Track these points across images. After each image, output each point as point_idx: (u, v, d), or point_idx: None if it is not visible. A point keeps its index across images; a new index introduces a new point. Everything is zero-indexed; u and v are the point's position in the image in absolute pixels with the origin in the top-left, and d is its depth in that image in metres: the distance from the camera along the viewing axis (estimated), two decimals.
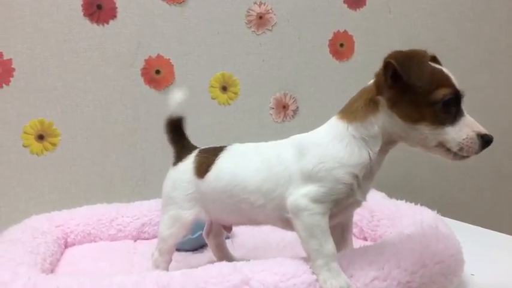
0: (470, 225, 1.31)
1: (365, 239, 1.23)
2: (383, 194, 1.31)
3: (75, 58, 1.46)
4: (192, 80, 1.56)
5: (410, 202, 1.18)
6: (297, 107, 1.67)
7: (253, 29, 1.59)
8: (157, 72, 1.53)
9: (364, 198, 0.88)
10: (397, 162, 1.79)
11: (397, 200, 1.24)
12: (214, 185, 0.94)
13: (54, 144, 1.46)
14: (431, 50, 1.93)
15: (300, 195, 0.82)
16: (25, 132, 1.44)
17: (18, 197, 1.44)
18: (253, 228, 1.36)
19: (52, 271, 1.09)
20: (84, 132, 1.49)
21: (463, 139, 0.78)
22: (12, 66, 1.41)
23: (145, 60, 1.52)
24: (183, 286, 0.78)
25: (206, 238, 1.13)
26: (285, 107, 1.66)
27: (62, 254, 1.23)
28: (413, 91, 0.78)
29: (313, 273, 0.80)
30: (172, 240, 0.99)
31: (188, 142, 1.07)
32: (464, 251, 0.94)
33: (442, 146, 0.80)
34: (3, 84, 1.41)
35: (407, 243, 0.88)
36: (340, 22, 1.67)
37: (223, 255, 1.12)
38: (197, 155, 1.02)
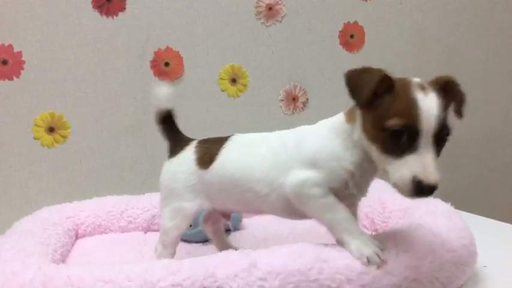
0: (483, 217, 1.30)
1: (376, 230, 1.22)
2: None
3: (84, 51, 1.46)
4: (201, 72, 1.56)
5: None
6: (307, 99, 1.66)
7: (262, 21, 1.58)
8: (167, 64, 1.53)
9: (363, 195, 0.89)
10: None
11: None
12: (220, 174, 0.95)
13: (64, 137, 1.47)
14: (442, 41, 1.92)
15: (300, 176, 0.84)
16: (36, 125, 1.44)
17: (29, 189, 1.45)
18: (263, 219, 1.38)
19: (63, 262, 1.10)
20: (94, 125, 1.49)
21: (397, 177, 0.74)
22: (22, 59, 1.41)
23: (154, 52, 1.51)
24: (192, 271, 0.79)
25: (205, 224, 1.13)
26: (294, 99, 1.65)
27: (72, 245, 1.24)
28: (376, 111, 0.77)
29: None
30: (175, 232, 1.00)
31: (182, 134, 1.07)
32: (477, 243, 0.93)
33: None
34: (14, 77, 1.41)
35: (418, 230, 0.88)
36: (350, 13, 1.65)
37: (221, 242, 1.13)
38: (197, 146, 1.02)
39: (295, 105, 1.66)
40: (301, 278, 0.79)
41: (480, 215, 1.31)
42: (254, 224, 1.36)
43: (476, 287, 0.90)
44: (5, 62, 1.40)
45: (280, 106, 1.65)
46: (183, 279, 0.78)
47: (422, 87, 0.76)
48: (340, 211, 0.84)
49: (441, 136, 0.74)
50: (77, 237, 1.29)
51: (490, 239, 1.07)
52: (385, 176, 1.42)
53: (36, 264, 0.84)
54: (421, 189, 0.71)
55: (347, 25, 1.66)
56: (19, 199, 1.44)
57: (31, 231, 1.08)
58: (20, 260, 0.87)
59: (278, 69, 1.63)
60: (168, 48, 1.52)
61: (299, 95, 1.65)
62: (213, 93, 1.58)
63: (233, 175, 0.93)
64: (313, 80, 1.66)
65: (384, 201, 1.18)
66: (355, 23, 1.67)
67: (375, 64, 1.83)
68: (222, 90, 1.59)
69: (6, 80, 1.41)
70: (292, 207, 0.89)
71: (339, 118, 0.88)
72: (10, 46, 1.40)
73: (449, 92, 0.79)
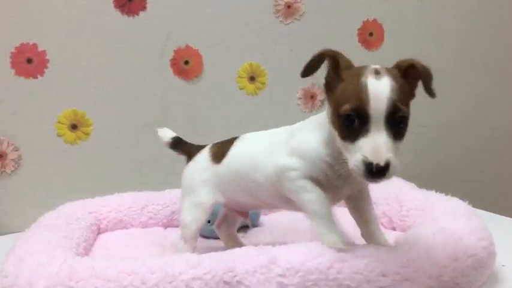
0: (501, 216, 1.29)
1: (394, 229, 1.22)
2: (412, 185, 1.30)
3: (106, 49, 1.49)
4: (220, 70, 1.58)
5: (441, 193, 1.16)
6: (325, 97, 1.66)
7: (281, 19, 1.59)
8: (186, 62, 1.55)
9: (355, 187, 0.90)
10: (427, 152, 1.77)
11: (427, 190, 1.22)
12: (230, 166, 1.01)
13: (87, 134, 1.50)
14: (462, 39, 1.91)
15: (282, 161, 0.89)
16: (59, 122, 1.48)
17: (53, 184, 1.48)
18: (281, 216, 1.39)
19: (86, 255, 1.11)
20: (115, 122, 1.52)
21: (352, 161, 0.75)
22: (46, 58, 1.45)
23: (174, 51, 1.54)
24: (212, 266, 0.80)
25: (217, 229, 1.17)
26: (312, 97, 1.66)
27: (95, 239, 1.26)
28: (333, 98, 0.80)
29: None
30: (195, 225, 1.04)
31: (194, 146, 1.15)
32: (495, 242, 0.92)
33: None
34: (38, 75, 1.45)
35: (440, 235, 0.87)
36: (369, 11, 1.65)
37: (236, 244, 1.14)
38: (212, 147, 1.10)
39: (314, 103, 1.66)
40: (320, 276, 0.80)
41: (498, 214, 1.31)
42: (272, 221, 1.37)
43: (495, 286, 0.90)
44: (29, 61, 1.43)
45: (298, 104, 1.65)
46: (204, 273, 0.79)
47: (377, 72, 0.77)
48: (316, 194, 0.86)
49: (395, 119, 0.75)
50: (99, 231, 1.32)
51: (508, 237, 1.06)
52: (401, 173, 1.43)
53: (61, 257, 0.86)
54: (369, 170, 0.72)
55: (366, 23, 1.66)
56: (43, 194, 1.48)
57: (55, 225, 1.11)
58: (46, 252, 0.90)
59: (296, 67, 1.61)
60: (187, 47, 1.54)
61: (317, 93, 1.66)
62: (232, 91, 1.59)
63: (239, 167, 0.99)
64: None
65: (401, 200, 1.18)
66: (374, 20, 1.66)
67: (394, 62, 1.83)
68: (241, 88, 1.61)
69: (31, 78, 1.44)
70: (284, 196, 0.92)
71: (322, 113, 0.90)
72: (34, 45, 1.43)
73: (412, 74, 0.80)
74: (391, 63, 1.69)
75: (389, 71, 0.79)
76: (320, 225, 0.86)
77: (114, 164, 1.52)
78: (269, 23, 1.58)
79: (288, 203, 0.93)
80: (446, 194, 1.14)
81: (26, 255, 0.89)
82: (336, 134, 0.79)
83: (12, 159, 1.45)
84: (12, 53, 1.42)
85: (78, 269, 0.81)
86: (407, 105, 0.78)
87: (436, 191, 1.18)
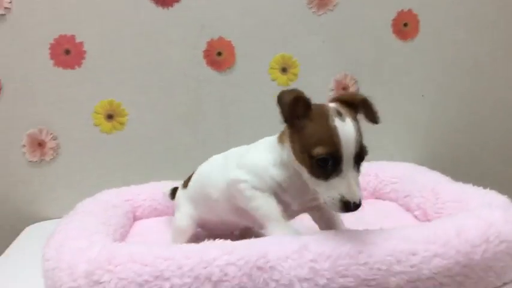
0: None
1: (428, 221, 1.20)
2: (448, 178, 1.28)
3: (141, 41, 1.51)
4: (252, 61, 1.58)
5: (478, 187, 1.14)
6: (358, 89, 1.65)
7: (314, 10, 1.58)
8: (219, 54, 1.56)
9: (302, 207, 0.96)
10: (463, 146, 1.74)
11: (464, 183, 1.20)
12: (194, 186, 1.12)
13: (122, 124, 1.53)
14: (501, 29, 1.84)
15: (233, 173, 0.96)
16: (96, 112, 1.52)
17: (89, 172, 1.53)
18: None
19: (122, 242, 1.15)
20: (150, 113, 1.55)
21: (327, 197, 0.82)
22: (83, 49, 1.48)
23: (207, 42, 1.55)
24: (246, 252, 0.82)
25: None
26: (345, 88, 1.64)
27: (130, 226, 1.30)
28: (301, 135, 0.85)
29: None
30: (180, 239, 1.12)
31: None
32: None
33: None
34: (76, 66, 1.49)
35: (472, 218, 0.88)
36: (404, 1, 1.62)
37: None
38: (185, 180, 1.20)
39: None
40: (351, 261, 0.81)
41: None
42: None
43: None
44: (67, 52, 1.47)
45: (331, 96, 1.64)
46: (237, 259, 0.81)
47: (339, 114, 0.83)
48: (264, 199, 0.91)
49: (360, 156, 0.83)
50: (134, 219, 1.35)
51: None
52: (438, 166, 1.40)
53: (100, 242, 0.89)
54: (349, 207, 0.80)
55: (401, 13, 1.63)
56: (80, 182, 1.52)
57: (93, 212, 1.14)
58: (85, 237, 0.93)
59: (329, 58, 1.62)
60: (220, 38, 1.55)
61: (350, 85, 1.64)
62: (264, 83, 1.60)
63: (200, 186, 1.09)
64: (365, 69, 1.64)
65: (437, 192, 1.16)
66: (409, 10, 1.63)
67: (429, 53, 1.81)
68: (273, 80, 1.61)
69: (69, 69, 1.49)
70: (239, 209, 0.97)
71: (274, 137, 0.96)
72: (72, 36, 1.47)
73: (354, 106, 0.87)
74: (426, 54, 1.67)
75: (346, 110, 0.85)
76: (272, 228, 0.91)
77: (149, 154, 1.56)
78: (302, 14, 1.58)
79: (247, 217, 0.97)
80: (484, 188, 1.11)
81: (66, 240, 0.92)
82: (302, 167, 0.86)
83: (51, 148, 1.50)
84: (51, 44, 1.46)
85: (117, 253, 0.83)
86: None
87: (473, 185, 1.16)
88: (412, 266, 0.81)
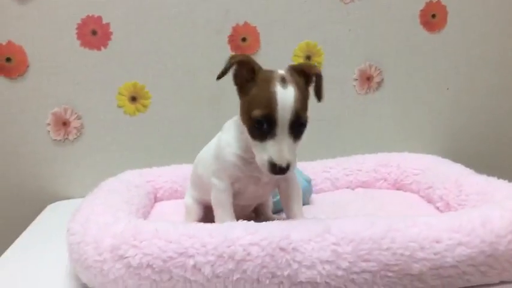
0: None
1: None
2: (471, 171, 1.26)
3: (166, 25, 1.52)
4: (277, 48, 1.57)
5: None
6: (382, 79, 1.64)
7: None
8: (244, 39, 1.56)
9: (273, 183, 1.01)
10: (487, 139, 1.72)
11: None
12: (193, 169, 1.17)
13: (145, 106, 1.55)
14: None
15: (212, 167, 1.01)
16: (120, 94, 1.53)
17: (112, 153, 1.55)
18: (332, 196, 1.40)
19: None
20: (173, 96, 1.55)
21: (259, 158, 0.87)
22: (110, 30, 1.49)
23: (232, 27, 1.55)
24: (269, 232, 0.83)
25: None
26: (369, 78, 1.63)
27: (151, 207, 1.31)
28: (245, 99, 0.91)
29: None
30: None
31: None
32: None
33: None
34: (102, 47, 1.50)
35: (498, 210, 0.87)
36: None
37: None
38: None
39: (369, 85, 1.64)
40: (374, 246, 0.81)
41: None
42: (323, 199, 1.37)
43: None
44: (94, 33, 1.48)
45: (354, 85, 1.63)
46: (261, 239, 0.82)
47: (284, 80, 0.87)
48: (225, 216, 0.97)
49: (297, 125, 0.86)
50: (155, 200, 1.37)
51: None
52: (461, 159, 1.38)
53: (126, 218, 0.91)
54: (275, 169, 0.84)
55: (429, 4, 1.61)
56: (103, 162, 1.54)
57: (116, 190, 1.16)
58: (111, 213, 0.94)
59: (354, 47, 1.61)
60: (245, 24, 1.55)
61: (374, 75, 1.63)
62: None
63: (195, 167, 1.15)
64: (390, 60, 1.63)
65: (461, 184, 1.15)
66: (438, 1, 1.61)
67: (457, 46, 1.78)
68: None
69: (95, 50, 1.50)
70: None
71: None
72: (99, 17, 1.48)
73: (307, 76, 0.91)
74: (453, 46, 1.65)
75: (294, 78, 0.89)
76: (218, 214, 0.99)
77: (171, 137, 1.57)
78: (329, 1, 1.56)
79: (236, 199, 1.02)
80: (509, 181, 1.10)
81: (92, 216, 0.94)
82: (245, 130, 0.91)
83: (75, 127, 1.52)
84: (78, 24, 1.47)
85: (142, 229, 0.85)
86: (306, 109, 0.89)
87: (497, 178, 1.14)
88: (435, 254, 0.81)
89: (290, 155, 0.85)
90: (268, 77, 0.88)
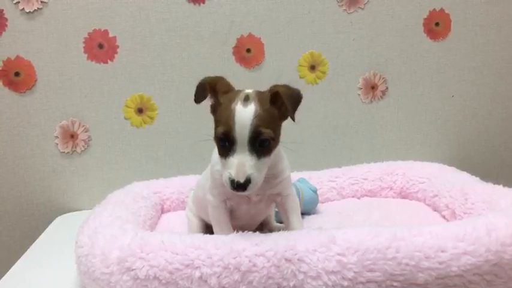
0: None
1: None
2: (477, 179, 1.26)
3: (172, 37, 1.54)
4: (281, 58, 1.59)
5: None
6: (386, 88, 1.64)
7: (344, 8, 1.58)
8: (248, 50, 1.57)
9: (272, 190, 0.99)
10: (492, 147, 1.71)
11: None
12: (195, 191, 1.18)
13: (152, 118, 1.56)
14: None
15: (207, 185, 1.02)
16: (126, 106, 1.55)
17: (119, 164, 1.56)
18: (338, 205, 1.40)
19: None
20: (179, 107, 1.57)
21: (223, 176, 0.88)
22: (116, 44, 1.51)
23: (237, 38, 1.56)
24: (274, 243, 0.83)
25: None
26: (373, 87, 1.64)
27: (158, 218, 1.32)
28: (215, 118, 0.93)
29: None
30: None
31: None
32: None
33: None
34: (108, 60, 1.52)
35: (503, 217, 0.87)
36: (436, 0, 1.61)
37: None
38: None
39: (374, 93, 1.65)
40: (379, 255, 0.81)
41: None
42: (329, 209, 1.38)
43: None
44: (101, 46, 1.51)
45: (359, 94, 1.64)
46: (266, 250, 0.82)
47: (246, 99, 0.87)
48: (223, 230, 0.97)
49: (259, 141, 0.86)
50: (162, 211, 1.38)
51: None
52: (467, 167, 1.38)
53: (132, 230, 0.92)
54: (234, 185, 0.85)
55: (432, 12, 1.61)
56: (110, 174, 1.56)
57: (124, 202, 1.17)
58: (118, 226, 0.95)
59: (358, 57, 1.62)
60: (250, 35, 1.57)
61: (378, 84, 1.64)
62: (292, 80, 1.60)
63: (197, 190, 1.16)
64: (394, 68, 1.64)
65: (467, 192, 1.15)
66: (441, 10, 1.62)
67: (460, 53, 1.79)
68: (301, 77, 1.61)
69: (102, 63, 1.52)
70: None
71: None
72: (106, 31, 1.50)
73: (280, 100, 0.89)
74: (457, 54, 1.65)
75: (258, 97, 0.89)
76: (216, 230, 0.99)
77: (177, 148, 1.58)
78: (332, 11, 1.58)
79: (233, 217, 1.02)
80: None
81: (99, 228, 0.95)
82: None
83: (82, 140, 1.54)
84: (85, 38, 1.50)
85: (149, 241, 0.86)
86: (274, 127, 0.89)
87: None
88: (440, 263, 0.81)
89: (250, 171, 0.85)
90: (233, 97, 0.89)
